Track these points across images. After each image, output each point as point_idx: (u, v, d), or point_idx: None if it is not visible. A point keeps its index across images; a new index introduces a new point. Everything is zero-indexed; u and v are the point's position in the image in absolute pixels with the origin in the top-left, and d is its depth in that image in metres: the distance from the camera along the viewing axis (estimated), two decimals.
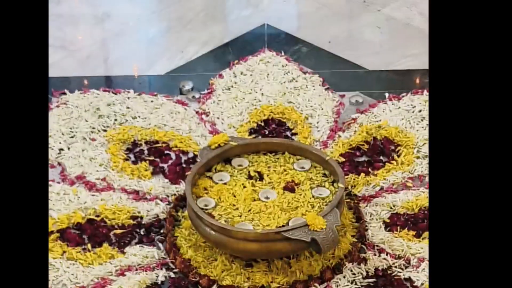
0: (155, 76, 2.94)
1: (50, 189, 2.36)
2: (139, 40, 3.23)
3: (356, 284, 2.10)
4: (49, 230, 2.23)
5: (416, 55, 2.96)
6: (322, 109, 2.67)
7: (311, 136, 2.56)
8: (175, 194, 2.36)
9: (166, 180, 2.42)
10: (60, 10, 3.33)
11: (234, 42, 3.09)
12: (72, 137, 2.57)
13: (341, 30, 3.19)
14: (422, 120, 2.59)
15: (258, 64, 2.88)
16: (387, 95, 2.72)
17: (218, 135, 2.32)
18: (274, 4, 3.39)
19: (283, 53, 2.95)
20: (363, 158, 2.49)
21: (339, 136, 2.57)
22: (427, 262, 2.11)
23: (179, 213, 2.29)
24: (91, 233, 2.24)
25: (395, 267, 2.14)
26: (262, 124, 2.62)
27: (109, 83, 2.87)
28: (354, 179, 2.40)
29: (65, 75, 2.91)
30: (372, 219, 2.27)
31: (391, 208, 2.31)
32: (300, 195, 2.17)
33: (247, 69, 2.86)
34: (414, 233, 2.21)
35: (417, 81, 2.85)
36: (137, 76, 2.93)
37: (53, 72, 2.87)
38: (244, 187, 2.19)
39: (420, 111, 2.62)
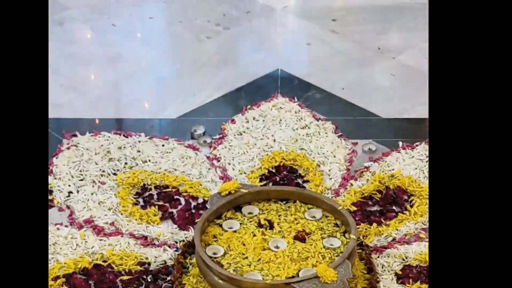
0: (166, 120, 2.92)
1: (57, 232, 2.33)
2: (151, 82, 3.22)
3: None
4: (55, 275, 2.20)
5: None
6: (335, 156, 2.64)
7: (322, 184, 2.52)
8: (183, 241, 2.32)
9: (175, 226, 2.39)
10: (72, 50, 3.33)
11: (247, 86, 3.08)
12: (81, 179, 2.54)
13: (355, 77, 3.17)
14: None
15: (270, 110, 2.86)
16: (400, 143, 2.69)
17: (229, 182, 2.30)
18: (288, 49, 3.39)
19: (296, 99, 2.93)
20: (376, 208, 2.45)
21: (351, 184, 2.53)
22: None
23: (187, 260, 2.25)
24: (97, 278, 2.20)
25: None
26: (274, 170, 2.59)
27: (120, 126, 2.85)
28: (366, 229, 2.36)
29: (76, 116, 2.89)
30: (384, 270, 2.23)
31: (403, 259, 2.26)
32: (311, 245, 2.13)
33: (260, 114, 2.84)
34: (426, 286, 2.17)
35: None
36: (149, 119, 2.91)
37: (64, 113, 2.87)
38: (254, 235, 2.16)
39: None
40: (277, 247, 2.13)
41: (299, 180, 2.55)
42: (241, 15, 3.59)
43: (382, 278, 2.20)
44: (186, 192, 2.49)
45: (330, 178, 2.56)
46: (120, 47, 3.38)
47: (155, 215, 2.41)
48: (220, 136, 2.75)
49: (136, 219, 2.39)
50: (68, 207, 2.45)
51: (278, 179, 2.55)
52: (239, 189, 2.26)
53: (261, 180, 2.54)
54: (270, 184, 2.52)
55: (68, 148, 2.67)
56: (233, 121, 2.81)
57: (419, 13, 3.51)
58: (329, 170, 2.59)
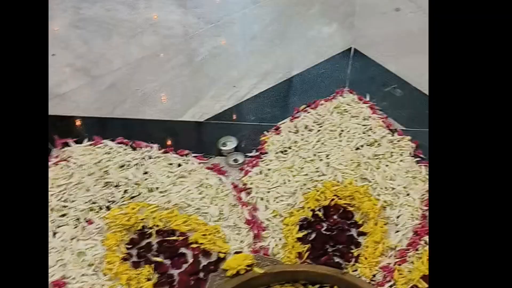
0: (190, 124, 2.22)
1: None
2: (181, 67, 2.49)
3: None
4: None
5: None
6: (408, 194, 1.90)
7: (385, 241, 1.80)
8: None
9: None
10: (90, 14, 2.65)
11: (304, 75, 2.33)
12: (62, 215, 1.90)
13: None
14: None
15: (330, 114, 2.12)
16: None
17: (238, 256, 1.62)
18: (367, 22, 2.58)
19: (367, 97, 2.18)
20: None
21: (426, 243, 1.79)
22: None
23: None
24: None
25: None
26: (321, 213, 1.87)
27: (130, 130, 2.17)
28: None
29: (78, 112, 2.24)
30: None
31: None
32: None
33: (315, 121, 2.11)
34: None
35: None
36: (168, 122, 2.22)
37: (62, 107, 2.23)
38: None
39: None
40: None
41: (353, 231, 1.84)
42: None
43: None
44: (196, 243, 1.82)
45: (397, 232, 1.83)
46: (152, 12, 2.68)
47: (148, 279, 1.76)
48: (257, 153, 2.05)
49: (122, 285, 1.75)
50: None
51: (324, 227, 1.85)
52: (252, 266, 1.60)
53: (301, 229, 1.83)
54: (313, 235, 1.82)
55: (56, 164, 2.03)
56: (277, 130, 2.10)
57: None
58: (398, 218, 1.86)
